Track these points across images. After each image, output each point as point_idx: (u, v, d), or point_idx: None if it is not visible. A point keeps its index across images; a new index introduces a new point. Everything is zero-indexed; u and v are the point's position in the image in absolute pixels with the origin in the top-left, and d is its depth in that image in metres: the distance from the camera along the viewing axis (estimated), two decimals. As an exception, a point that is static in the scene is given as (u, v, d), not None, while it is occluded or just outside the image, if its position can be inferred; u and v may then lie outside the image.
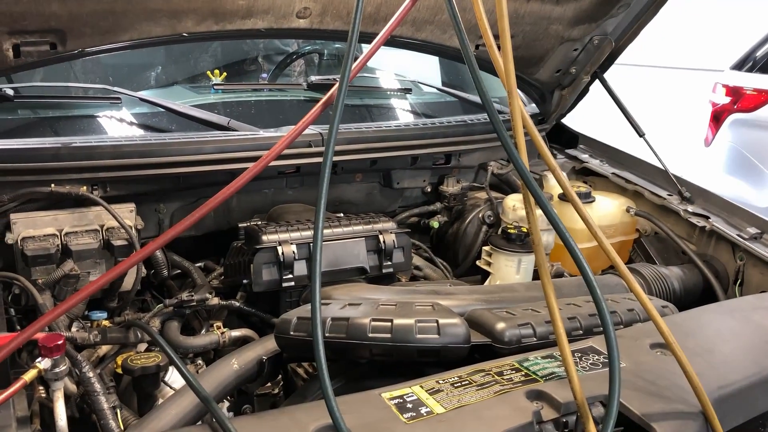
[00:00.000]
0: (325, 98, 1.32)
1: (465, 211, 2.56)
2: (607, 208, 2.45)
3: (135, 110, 2.33)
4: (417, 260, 2.38)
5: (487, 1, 1.18)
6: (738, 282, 2.14)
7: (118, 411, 1.51)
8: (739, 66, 5.54)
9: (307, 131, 2.09)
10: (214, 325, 1.95)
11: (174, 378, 1.73)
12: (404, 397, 1.27)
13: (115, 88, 2.31)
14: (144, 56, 2.65)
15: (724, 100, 5.47)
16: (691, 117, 6.79)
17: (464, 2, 1.25)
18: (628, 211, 2.45)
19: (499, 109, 2.27)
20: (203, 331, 1.95)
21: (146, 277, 2.10)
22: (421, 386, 1.31)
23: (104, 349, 1.86)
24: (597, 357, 1.42)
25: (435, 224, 2.57)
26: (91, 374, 1.51)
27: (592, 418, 1.18)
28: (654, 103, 7.83)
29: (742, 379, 1.40)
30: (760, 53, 5.46)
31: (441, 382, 1.32)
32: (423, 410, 1.22)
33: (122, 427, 1.48)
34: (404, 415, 1.21)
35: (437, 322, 1.44)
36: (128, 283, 1.96)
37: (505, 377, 1.34)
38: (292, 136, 1.31)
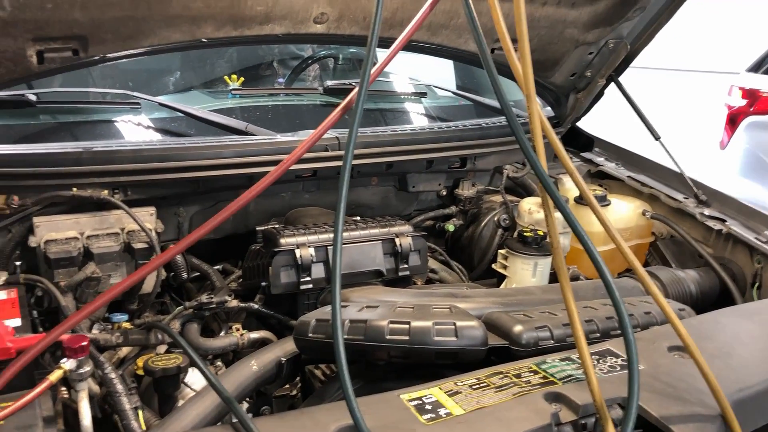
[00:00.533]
0: (344, 103, 1.33)
1: (480, 214, 2.56)
2: (623, 212, 2.44)
3: (154, 115, 2.36)
4: (432, 263, 2.39)
5: (503, 5, 1.19)
6: (756, 285, 2.13)
7: (140, 411, 1.53)
8: (755, 68, 5.52)
9: (324, 135, 2.11)
10: (233, 327, 1.97)
11: (194, 379, 1.75)
12: (423, 398, 1.28)
13: (135, 93, 2.33)
14: (162, 62, 2.67)
15: (740, 102, 5.44)
16: (706, 120, 6.76)
17: (479, 7, 1.26)
18: (643, 214, 2.45)
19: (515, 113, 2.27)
20: (222, 333, 1.97)
21: (165, 279, 2.12)
22: (440, 388, 1.32)
23: (124, 350, 1.88)
24: (615, 360, 1.43)
25: (450, 227, 2.58)
26: (113, 375, 1.54)
27: (611, 420, 1.19)
28: (670, 106, 7.80)
29: (761, 381, 1.40)
30: (776, 55, 5.44)
31: (459, 383, 1.33)
32: (442, 412, 1.23)
33: (144, 428, 1.50)
34: (423, 416, 1.22)
35: (455, 324, 1.45)
36: (148, 285, 1.99)
37: (523, 379, 1.35)
38: (312, 141, 1.32)
